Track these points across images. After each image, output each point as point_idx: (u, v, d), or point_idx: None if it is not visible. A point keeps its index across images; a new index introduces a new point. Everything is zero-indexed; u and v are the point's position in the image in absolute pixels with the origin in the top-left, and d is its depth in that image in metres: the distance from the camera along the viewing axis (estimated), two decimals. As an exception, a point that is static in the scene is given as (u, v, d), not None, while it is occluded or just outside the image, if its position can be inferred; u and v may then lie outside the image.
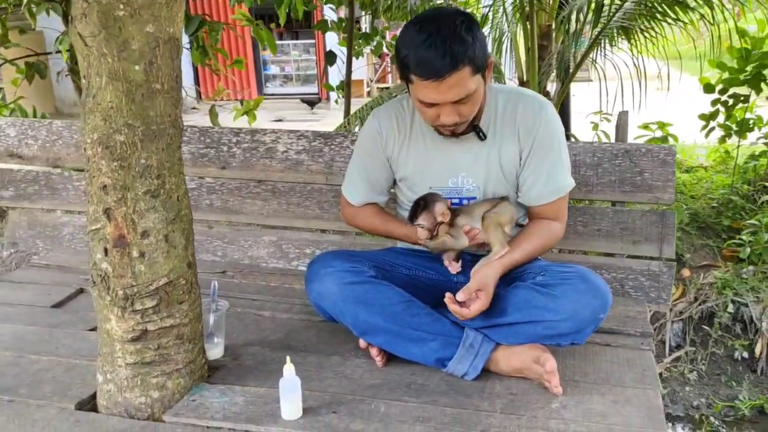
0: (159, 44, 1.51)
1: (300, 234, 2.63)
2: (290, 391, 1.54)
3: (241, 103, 4.34)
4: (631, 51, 4.87)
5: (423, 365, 1.78)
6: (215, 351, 1.88)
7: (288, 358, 1.55)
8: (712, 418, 2.67)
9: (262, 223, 2.65)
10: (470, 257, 1.92)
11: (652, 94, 4.65)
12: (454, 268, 1.85)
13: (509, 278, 1.81)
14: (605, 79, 4.95)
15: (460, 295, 1.66)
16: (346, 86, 4.55)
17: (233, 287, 2.39)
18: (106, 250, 1.55)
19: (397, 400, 1.62)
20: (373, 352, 1.79)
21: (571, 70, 4.90)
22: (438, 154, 1.86)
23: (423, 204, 1.75)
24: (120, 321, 1.59)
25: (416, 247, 1.97)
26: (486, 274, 1.69)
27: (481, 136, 1.80)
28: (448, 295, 1.67)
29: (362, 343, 1.82)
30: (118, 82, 1.49)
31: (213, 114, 4.06)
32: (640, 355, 1.83)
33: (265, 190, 2.63)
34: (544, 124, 1.78)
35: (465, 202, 1.88)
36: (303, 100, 7.29)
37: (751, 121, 4.59)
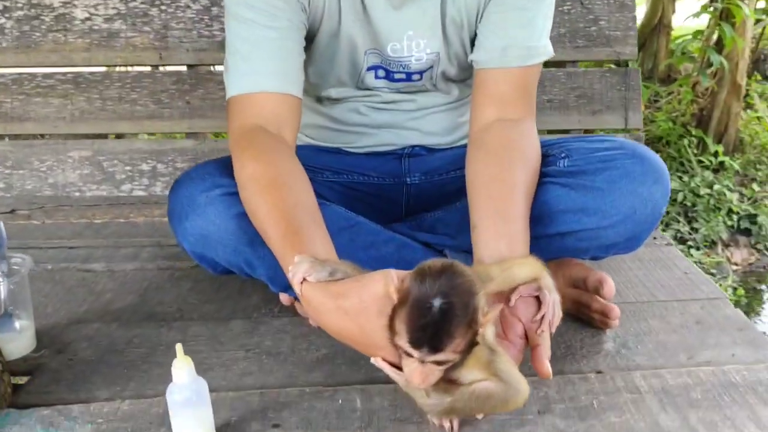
0: None
1: (129, 143, 1.77)
2: (190, 406, 0.81)
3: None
4: None
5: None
6: (18, 344, 1.07)
7: (179, 349, 0.81)
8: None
9: (64, 132, 1.76)
10: None
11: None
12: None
13: None
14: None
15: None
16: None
17: (33, 232, 1.53)
18: None
19: (370, 383, 0.96)
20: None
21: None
22: (371, 2, 1.11)
23: (445, 303, 0.71)
24: None
25: (347, 146, 1.26)
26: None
27: None
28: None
29: (286, 297, 1.12)
30: None
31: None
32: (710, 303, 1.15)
33: (62, 81, 1.73)
34: None
35: (416, 79, 1.19)
36: None
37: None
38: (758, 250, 3.68)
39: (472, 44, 1.13)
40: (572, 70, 1.74)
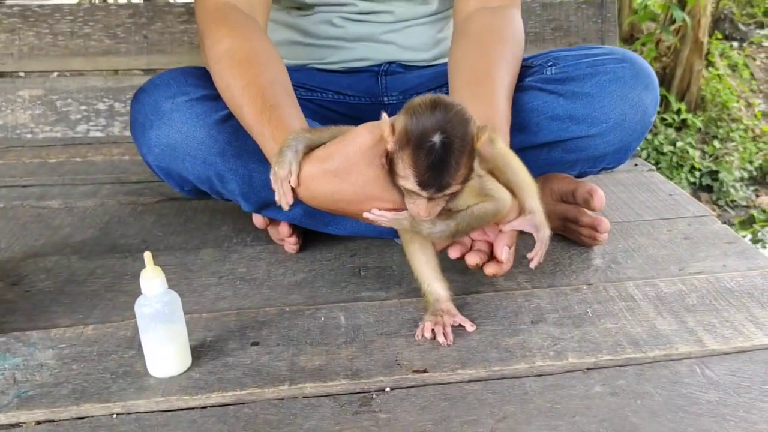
0: None
1: (84, 80, 1.67)
2: (162, 320, 0.75)
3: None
4: None
5: (362, 239, 1.08)
6: (-30, 275, 0.99)
7: (148, 258, 0.75)
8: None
9: (11, 70, 1.64)
10: None
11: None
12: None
13: None
14: None
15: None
16: None
17: (-18, 172, 1.43)
18: None
19: (352, 300, 0.91)
20: (283, 231, 1.04)
21: None
22: None
23: (445, 137, 0.67)
24: None
25: (320, 62, 1.19)
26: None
27: None
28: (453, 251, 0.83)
29: (260, 220, 1.05)
30: None
31: None
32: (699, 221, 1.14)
33: (8, 14, 1.61)
34: None
35: None
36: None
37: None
38: (719, 206, 3.73)
39: None
40: (548, 2, 1.70)
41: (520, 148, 1.00)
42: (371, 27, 1.14)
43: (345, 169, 0.74)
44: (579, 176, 1.10)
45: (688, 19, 3.62)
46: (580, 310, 0.86)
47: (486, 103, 0.88)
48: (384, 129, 0.70)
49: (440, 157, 0.67)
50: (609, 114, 0.98)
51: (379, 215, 0.76)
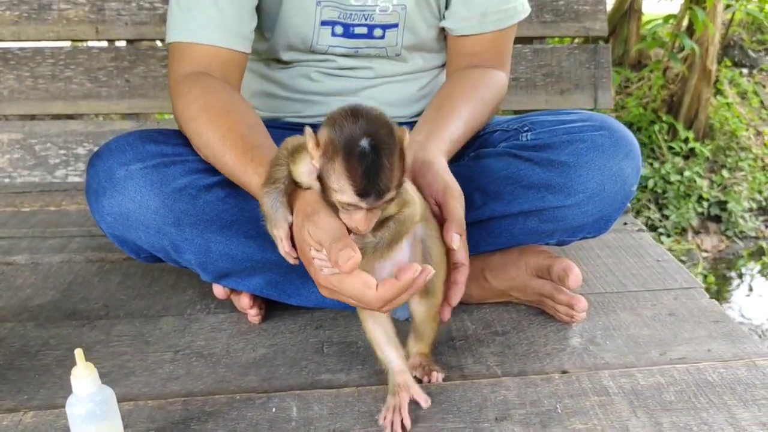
0: None
1: (64, 125, 1.64)
2: (94, 421, 0.70)
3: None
4: None
5: (329, 309, 1.04)
6: None
7: (79, 354, 0.70)
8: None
9: (-8, 114, 1.62)
10: None
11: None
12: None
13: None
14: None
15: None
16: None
17: (-48, 222, 1.39)
18: None
19: (310, 388, 0.86)
20: (244, 302, 0.99)
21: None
22: None
23: (373, 141, 0.64)
24: None
25: (294, 115, 1.15)
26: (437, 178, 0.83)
27: None
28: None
29: (220, 290, 1.01)
30: None
31: None
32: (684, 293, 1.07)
33: (-12, 57, 1.59)
34: None
35: (378, 35, 1.07)
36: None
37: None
38: (728, 237, 3.65)
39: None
40: (539, 47, 1.65)
41: (494, 216, 0.95)
42: (350, 82, 1.10)
43: (314, 211, 0.70)
44: (559, 244, 1.05)
45: (696, 48, 3.56)
46: (549, 406, 0.80)
47: (435, 121, 0.94)
48: (309, 143, 0.66)
49: (373, 161, 0.63)
50: (586, 184, 0.93)
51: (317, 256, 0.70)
